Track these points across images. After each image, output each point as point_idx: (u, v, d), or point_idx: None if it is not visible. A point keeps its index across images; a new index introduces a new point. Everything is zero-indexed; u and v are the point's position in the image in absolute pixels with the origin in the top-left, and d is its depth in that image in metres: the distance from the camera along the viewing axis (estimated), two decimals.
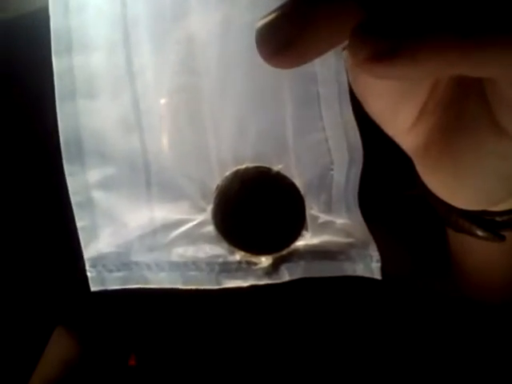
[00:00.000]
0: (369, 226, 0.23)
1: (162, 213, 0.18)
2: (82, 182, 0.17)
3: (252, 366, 0.45)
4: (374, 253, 0.19)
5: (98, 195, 0.17)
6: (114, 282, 0.19)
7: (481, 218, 0.27)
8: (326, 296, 0.47)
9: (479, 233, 0.29)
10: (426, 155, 0.21)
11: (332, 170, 0.20)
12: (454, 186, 0.21)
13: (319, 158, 0.20)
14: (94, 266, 0.18)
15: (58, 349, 0.45)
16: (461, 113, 0.19)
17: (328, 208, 0.20)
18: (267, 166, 0.19)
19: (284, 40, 0.15)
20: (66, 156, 0.17)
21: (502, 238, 0.28)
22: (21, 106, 0.57)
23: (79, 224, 0.17)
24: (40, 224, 0.58)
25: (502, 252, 0.32)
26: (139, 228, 0.18)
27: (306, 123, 0.20)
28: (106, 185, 0.17)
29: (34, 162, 0.59)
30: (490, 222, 0.27)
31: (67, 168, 0.17)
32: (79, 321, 0.42)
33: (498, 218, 0.26)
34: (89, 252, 0.18)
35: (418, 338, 0.49)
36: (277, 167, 0.19)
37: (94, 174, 0.17)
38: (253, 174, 0.18)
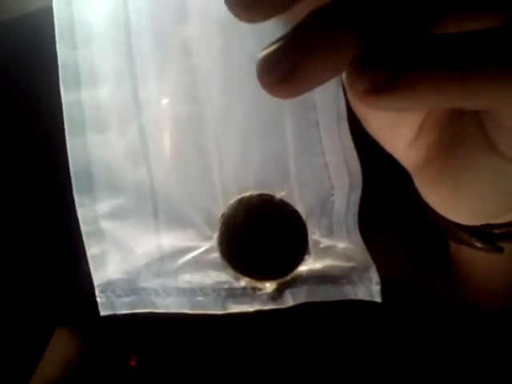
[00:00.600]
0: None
1: (169, 240, 0.18)
2: (92, 212, 0.17)
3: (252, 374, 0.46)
4: (374, 275, 0.20)
5: (107, 225, 0.17)
6: (122, 306, 0.19)
7: (479, 231, 0.28)
8: (329, 313, 0.46)
9: (478, 245, 0.29)
10: (425, 171, 0.21)
11: (333, 195, 0.21)
12: (453, 202, 0.22)
13: (320, 183, 0.20)
14: (103, 291, 0.19)
15: (59, 349, 0.45)
16: (457, 132, 0.20)
17: (329, 233, 0.20)
18: (270, 193, 0.19)
19: (284, 71, 0.15)
20: (76, 187, 0.17)
21: (500, 250, 0.29)
22: (21, 111, 0.57)
23: (89, 252, 0.18)
24: (42, 226, 0.58)
25: (502, 261, 0.33)
26: (147, 255, 0.18)
27: (306, 150, 0.21)
28: (115, 215, 0.17)
29: (34, 167, 0.60)
30: (488, 235, 0.28)
31: (77, 199, 0.17)
32: (81, 321, 0.42)
33: (496, 231, 0.27)
34: (98, 278, 0.19)
35: (419, 345, 0.48)
36: (280, 194, 0.20)
37: (103, 205, 0.17)
38: (257, 202, 0.19)
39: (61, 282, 0.47)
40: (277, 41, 0.16)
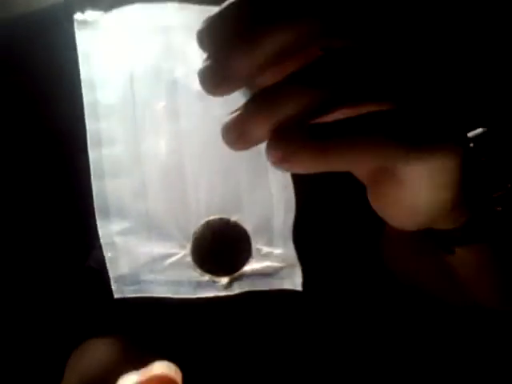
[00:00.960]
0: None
1: (159, 249, 0.27)
2: (108, 231, 0.26)
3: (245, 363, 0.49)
4: (298, 272, 0.29)
5: (118, 239, 0.26)
6: (129, 292, 0.28)
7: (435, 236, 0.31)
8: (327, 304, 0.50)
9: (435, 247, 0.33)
10: (372, 189, 0.26)
11: (273, 217, 0.29)
12: (390, 212, 0.26)
13: (265, 209, 0.29)
14: (116, 282, 0.28)
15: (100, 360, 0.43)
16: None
17: (269, 243, 0.29)
18: (228, 217, 0.28)
19: (236, 135, 0.21)
20: (98, 214, 0.26)
21: (452, 253, 0.32)
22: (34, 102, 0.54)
23: (106, 256, 0.27)
24: (61, 219, 0.59)
25: (477, 264, 0.34)
26: (144, 258, 0.27)
27: (256, 185, 0.29)
28: (123, 233, 0.26)
29: (52, 162, 0.56)
30: (442, 239, 0.31)
31: (98, 222, 0.26)
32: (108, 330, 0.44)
33: (449, 235, 0.30)
34: (112, 273, 0.28)
35: (419, 342, 0.50)
36: (235, 217, 0.29)
37: (115, 226, 0.26)
38: (218, 223, 0.28)
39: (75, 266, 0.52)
40: (233, 112, 0.23)
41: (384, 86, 0.22)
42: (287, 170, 0.21)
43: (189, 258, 0.27)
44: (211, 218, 0.27)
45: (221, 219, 0.28)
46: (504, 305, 0.38)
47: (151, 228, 0.27)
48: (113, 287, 0.28)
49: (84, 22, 0.26)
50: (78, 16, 0.26)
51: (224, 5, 0.22)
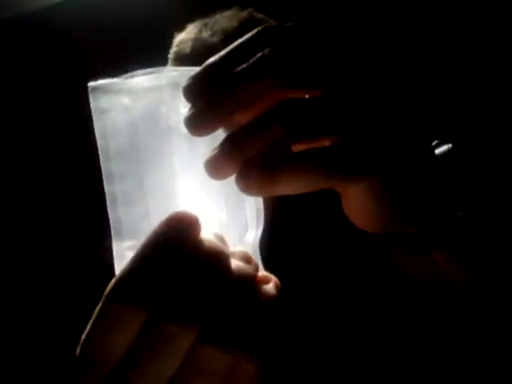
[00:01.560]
0: None
1: None
2: (121, 247, 0.34)
3: None
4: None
5: (128, 253, 0.34)
6: None
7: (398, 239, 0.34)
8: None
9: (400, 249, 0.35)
10: (341, 199, 0.31)
11: (246, 233, 0.37)
12: (352, 218, 0.32)
13: (240, 227, 0.36)
14: None
15: None
16: None
17: None
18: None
19: (215, 168, 0.28)
20: (114, 236, 0.34)
21: (422, 253, 0.35)
22: None
23: (117, 266, 0.34)
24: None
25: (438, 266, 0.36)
26: None
27: (234, 207, 0.36)
28: (131, 248, 0.34)
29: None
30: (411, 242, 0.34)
31: (114, 241, 0.34)
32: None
33: (416, 238, 0.33)
34: None
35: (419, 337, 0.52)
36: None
37: (126, 244, 0.34)
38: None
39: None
40: (212, 151, 0.28)
41: (330, 125, 0.27)
42: (251, 195, 0.28)
43: None
44: None
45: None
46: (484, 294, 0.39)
47: None
48: None
49: (96, 87, 0.34)
50: (91, 83, 0.34)
51: (201, 67, 0.29)
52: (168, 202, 0.35)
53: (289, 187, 0.26)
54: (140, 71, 0.34)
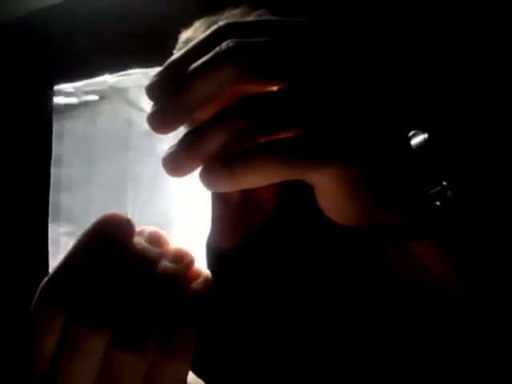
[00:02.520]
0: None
1: None
2: (56, 231, 0.33)
3: None
4: None
5: (63, 238, 0.33)
6: None
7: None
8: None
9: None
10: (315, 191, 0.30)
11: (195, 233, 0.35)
12: (327, 211, 0.31)
13: (190, 226, 0.35)
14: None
15: None
16: None
17: None
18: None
19: (174, 165, 0.27)
20: (51, 219, 0.34)
21: (402, 246, 0.34)
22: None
23: (50, 251, 0.33)
24: None
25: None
26: None
27: (187, 206, 0.36)
28: (67, 234, 0.33)
29: None
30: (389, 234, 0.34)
31: (50, 225, 0.34)
32: None
33: (395, 230, 0.33)
34: (52, 264, 0.33)
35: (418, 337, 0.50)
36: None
37: (62, 229, 0.33)
38: None
39: None
40: (171, 148, 0.28)
41: (292, 117, 0.26)
42: (214, 191, 0.27)
43: None
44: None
45: None
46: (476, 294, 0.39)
47: None
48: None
49: (59, 89, 0.35)
50: (56, 90, 0.35)
51: (162, 67, 0.30)
52: (113, 194, 0.34)
53: (250, 180, 0.26)
54: (108, 75, 0.35)
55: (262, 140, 0.27)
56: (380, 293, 0.52)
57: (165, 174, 0.29)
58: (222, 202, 0.56)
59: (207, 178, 0.26)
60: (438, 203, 0.33)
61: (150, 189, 0.35)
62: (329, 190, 0.29)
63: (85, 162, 0.35)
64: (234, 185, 0.26)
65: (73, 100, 0.35)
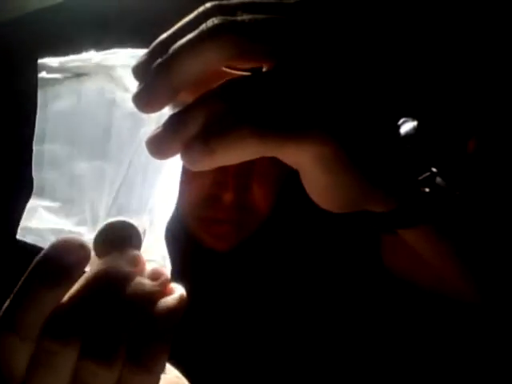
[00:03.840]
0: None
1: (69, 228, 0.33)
2: (36, 203, 0.33)
3: None
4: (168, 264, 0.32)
5: (42, 211, 0.32)
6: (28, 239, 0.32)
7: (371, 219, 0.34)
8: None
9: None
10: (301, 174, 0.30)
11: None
12: (313, 196, 0.31)
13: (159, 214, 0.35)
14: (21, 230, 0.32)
15: None
16: None
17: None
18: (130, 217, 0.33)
19: (157, 147, 0.27)
20: (34, 194, 0.33)
21: (393, 233, 0.35)
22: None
23: (23, 217, 0.32)
24: None
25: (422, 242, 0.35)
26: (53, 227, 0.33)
27: (163, 194, 0.36)
28: (48, 209, 0.33)
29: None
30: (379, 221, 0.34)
31: (32, 198, 0.34)
32: None
33: (385, 217, 0.32)
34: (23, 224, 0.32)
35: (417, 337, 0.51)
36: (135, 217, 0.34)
37: (44, 203, 0.33)
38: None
39: None
40: (155, 130, 0.28)
41: (272, 101, 0.26)
42: (196, 169, 0.27)
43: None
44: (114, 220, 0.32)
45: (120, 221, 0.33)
46: (476, 295, 0.39)
47: (70, 214, 0.34)
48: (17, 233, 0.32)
49: (44, 63, 0.35)
50: (40, 64, 0.34)
51: (149, 48, 0.30)
52: (94, 173, 0.35)
53: (227, 156, 0.26)
54: (93, 52, 0.35)
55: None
56: (376, 292, 0.52)
57: (147, 156, 0.29)
58: (216, 206, 0.57)
59: (187, 157, 0.26)
60: (426, 190, 0.33)
61: (130, 170, 0.35)
62: (310, 170, 0.29)
63: (67, 140, 0.35)
64: (213, 161, 0.26)
65: (57, 75, 0.35)
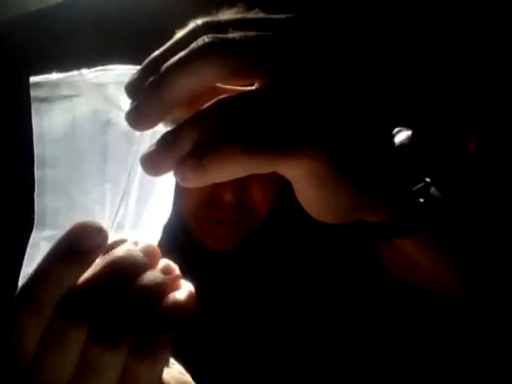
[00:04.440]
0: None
1: None
2: (38, 236, 0.33)
3: None
4: None
5: (43, 244, 0.32)
6: None
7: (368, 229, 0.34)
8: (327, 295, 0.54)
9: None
10: (294, 188, 0.30)
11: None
12: (306, 207, 0.31)
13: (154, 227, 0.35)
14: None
15: None
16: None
17: None
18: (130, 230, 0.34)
19: (151, 165, 0.27)
20: (36, 225, 0.34)
21: (389, 242, 0.35)
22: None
23: (27, 253, 0.32)
24: None
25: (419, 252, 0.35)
26: None
27: (158, 208, 0.36)
28: (48, 239, 0.33)
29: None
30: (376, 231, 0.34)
31: (34, 230, 0.34)
32: None
33: (381, 227, 0.33)
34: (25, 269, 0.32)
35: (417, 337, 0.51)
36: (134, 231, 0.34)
37: (45, 234, 0.33)
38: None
39: None
40: (149, 147, 0.28)
41: (265, 121, 0.26)
42: (188, 186, 0.27)
43: None
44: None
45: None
46: (471, 297, 0.39)
47: None
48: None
49: (37, 81, 0.34)
50: (32, 78, 0.34)
51: (141, 65, 0.30)
52: (93, 197, 0.34)
53: (220, 173, 0.26)
54: (85, 70, 0.34)
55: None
56: (376, 291, 0.52)
57: (144, 175, 0.29)
58: (217, 206, 0.57)
59: (180, 174, 0.27)
60: (421, 200, 0.33)
61: (128, 190, 0.35)
62: (303, 185, 0.29)
63: (66, 164, 0.34)
64: (206, 179, 0.26)
65: (50, 94, 0.34)
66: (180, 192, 0.32)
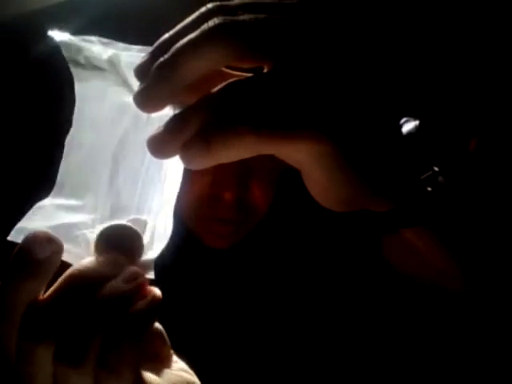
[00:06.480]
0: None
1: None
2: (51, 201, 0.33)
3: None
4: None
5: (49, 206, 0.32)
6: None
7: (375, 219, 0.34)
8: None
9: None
10: (302, 174, 0.30)
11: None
12: (313, 194, 0.31)
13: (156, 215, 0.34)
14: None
15: None
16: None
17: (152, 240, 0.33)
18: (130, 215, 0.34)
19: (158, 147, 0.27)
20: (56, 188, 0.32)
21: (395, 232, 0.34)
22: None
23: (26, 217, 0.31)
24: None
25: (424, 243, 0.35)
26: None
27: (160, 195, 0.35)
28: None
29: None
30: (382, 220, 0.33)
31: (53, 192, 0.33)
32: None
33: (387, 216, 0.32)
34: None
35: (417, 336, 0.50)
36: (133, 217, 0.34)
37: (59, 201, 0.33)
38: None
39: None
40: (156, 130, 0.27)
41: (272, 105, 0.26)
42: (194, 168, 0.27)
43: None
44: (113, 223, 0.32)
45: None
46: (469, 289, 0.39)
47: (80, 211, 0.33)
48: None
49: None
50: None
51: (151, 48, 0.29)
52: (104, 177, 0.34)
53: (225, 154, 0.26)
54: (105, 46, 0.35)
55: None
56: (376, 287, 0.50)
57: (151, 159, 0.28)
58: (217, 204, 0.57)
59: (185, 155, 0.26)
60: (428, 189, 0.32)
61: (132, 171, 0.35)
62: (309, 169, 0.29)
63: (92, 145, 0.34)
64: (211, 160, 0.26)
65: (87, 62, 0.34)
66: (181, 189, 0.32)
